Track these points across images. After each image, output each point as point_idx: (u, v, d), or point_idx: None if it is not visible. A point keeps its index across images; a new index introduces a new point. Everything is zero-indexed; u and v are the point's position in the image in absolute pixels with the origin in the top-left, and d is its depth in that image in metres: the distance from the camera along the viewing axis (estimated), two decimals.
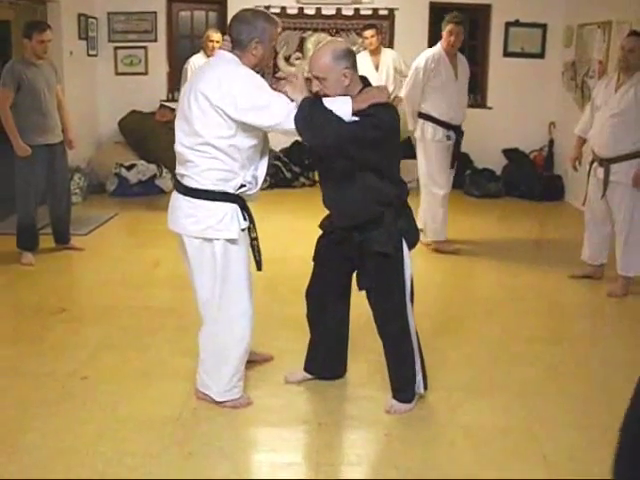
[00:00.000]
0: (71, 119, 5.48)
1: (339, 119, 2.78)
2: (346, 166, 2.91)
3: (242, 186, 2.92)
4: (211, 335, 3.11)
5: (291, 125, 2.79)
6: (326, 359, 3.39)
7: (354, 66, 2.91)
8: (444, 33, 5.53)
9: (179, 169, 3.00)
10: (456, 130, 5.64)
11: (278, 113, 2.79)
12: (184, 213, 2.97)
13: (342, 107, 2.81)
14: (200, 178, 2.90)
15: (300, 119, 2.77)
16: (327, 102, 2.82)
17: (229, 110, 2.79)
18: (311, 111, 2.77)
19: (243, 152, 2.89)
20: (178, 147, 2.96)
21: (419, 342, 3.19)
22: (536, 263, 5.51)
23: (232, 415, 3.13)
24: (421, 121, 5.62)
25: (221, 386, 3.14)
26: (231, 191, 2.91)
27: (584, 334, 4.28)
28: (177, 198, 3.02)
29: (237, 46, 2.91)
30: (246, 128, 2.85)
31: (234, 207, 2.94)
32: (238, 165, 2.90)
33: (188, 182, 2.94)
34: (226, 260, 2.97)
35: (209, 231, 2.93)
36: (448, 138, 5.60)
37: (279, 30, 2.96)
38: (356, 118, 2.81)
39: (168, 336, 3.95)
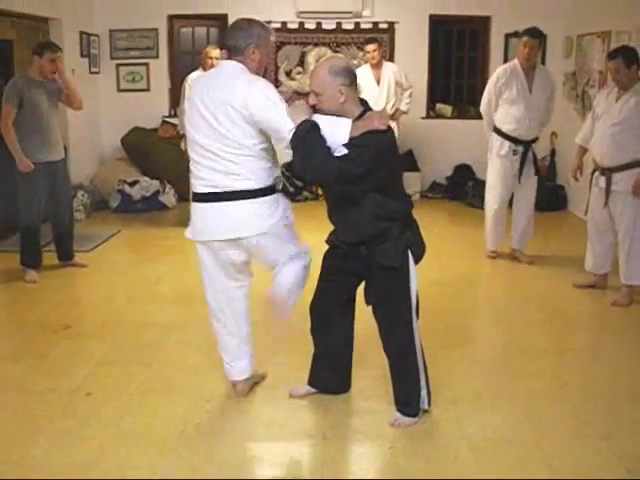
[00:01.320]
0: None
1: (328, 156, 2.80)
2: (343, 191, 2.93)
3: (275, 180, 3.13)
4: (292, 270, 3.15)
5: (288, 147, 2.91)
6: (330, 373, 3.38)
7: (352, 84, 2.90)
8: (519, 46, 5.48)
9: (222, 180, 3.02)
10: (526, 145, 5.52)
11: (286, 127, 2.88)
12: (247, 215, 3.04)
13: (341, 129, 2.84)
14: (255, 178, 3.02)
15: (294, 145, 2.84)
16: (328, 121, 2.84)
17: (247, 116, 2.89)
18: (304, 141, 2.82)
19: (272, 152, 3.09)
20: (218, 162, 2.99)
21: (424, 357, 3.18)
22: (540, 273, 5.50)
23: (235, 430, 3.13)
24: (490, 133, 5.60)
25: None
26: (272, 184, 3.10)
27: (588, 344, 4.28)
28: (225, 207, 3.04)
29: (235, 54, 3.01)
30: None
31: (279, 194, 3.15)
32: (274, 162, 3.11)
33: (243, 185, 3.01)
34: (279, 227, 3.11)
35: (283, 220, 3.10)
36: (514, 153, 5.50)
37: (273, 39, 3.12)
38: (346, 151, 2.80)
39: (171, 351, 3.95)
